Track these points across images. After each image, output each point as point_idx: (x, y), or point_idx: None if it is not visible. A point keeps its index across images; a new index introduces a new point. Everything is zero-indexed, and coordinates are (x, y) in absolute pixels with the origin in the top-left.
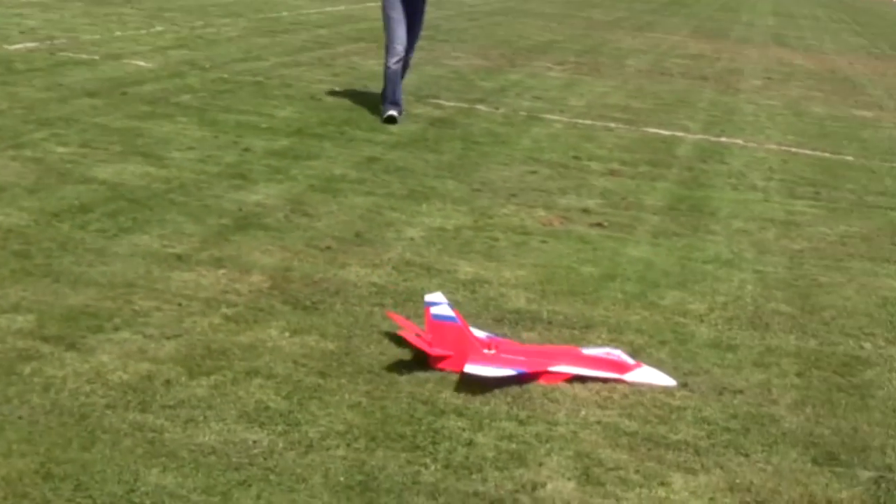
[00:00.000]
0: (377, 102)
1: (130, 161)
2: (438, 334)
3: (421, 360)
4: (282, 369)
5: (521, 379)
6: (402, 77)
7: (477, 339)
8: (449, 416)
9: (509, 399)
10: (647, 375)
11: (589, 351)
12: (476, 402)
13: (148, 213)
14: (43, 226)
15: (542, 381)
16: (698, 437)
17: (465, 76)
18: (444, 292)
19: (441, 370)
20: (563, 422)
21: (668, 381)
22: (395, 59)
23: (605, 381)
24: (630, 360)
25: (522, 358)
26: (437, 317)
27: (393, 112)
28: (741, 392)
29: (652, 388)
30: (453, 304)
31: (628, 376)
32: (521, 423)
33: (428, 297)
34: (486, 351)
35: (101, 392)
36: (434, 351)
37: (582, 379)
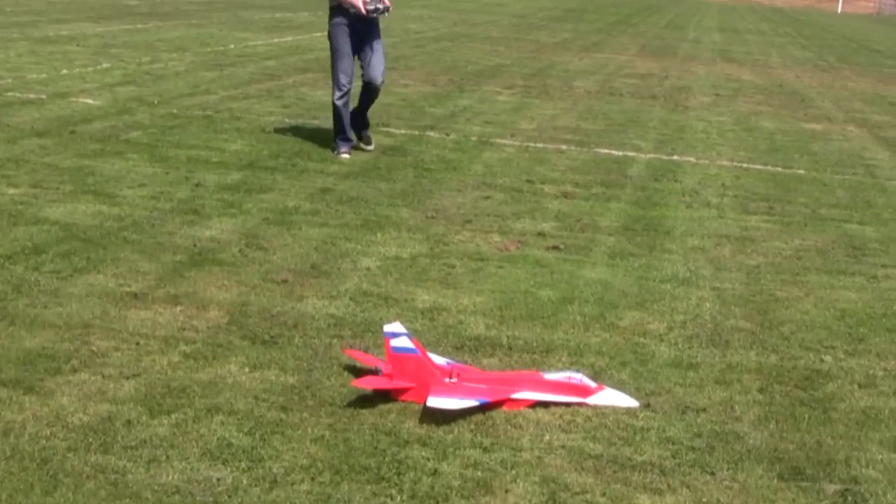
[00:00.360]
0: (328, 133)
1: (82, 200)
2: (399, 366)
3: (382, 392)
4: (243, 405)
5: (483, 408)
6: (367, 107)
7: (438, 367)
8: (413, 445)
9: (473, 426)
10: (610, 398)
11: (550, 376)
12: (440, 431)
13: (102, 252)
14: None
15: (505, 408)
16: (663, 458)
17: (414, 103)
18: (402, 321)
19: (404, 402)
20: (527, 447)
21: (630, 402)
22: (339, 94)
23: (567, 405)
24: (592, 384)
25: (484, 386)
26: (396, 349)
27: (344, 152)
28: (704, 410)
29: (615, 410)
30: (412, 333)
31: (591, 399)
32: (485, 450)
33: (387, 328)
34: (447, 380)
35: (61, 435)
36: (396, 384)
37: (545, 404)
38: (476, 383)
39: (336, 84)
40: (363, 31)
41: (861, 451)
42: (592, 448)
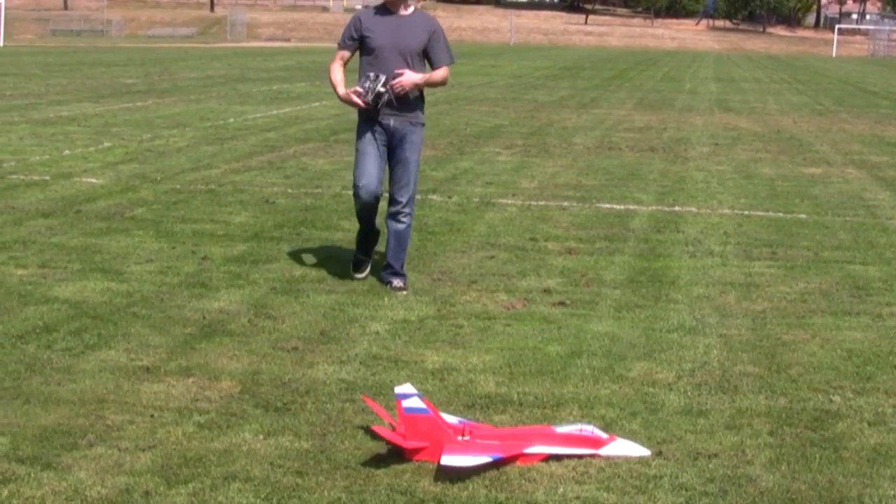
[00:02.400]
0: (331, 201)
1: (90, 278)
2: (412, 427)
3: (397, 452)
4: (259, 472)
5: (497, 464)
6: (392, 241)
7: (450, 426)
8: None
9: (487, 482)
10: (622, 448)
11: (562, 429)
12: (454, 488)
13: (112, 328)
14: (8, 348)
15: (518, 464)
16: None
17: None
18: (413, 382)
19: (418, 461)
20: (542, 500)
21: (642, 451)
22: (358, 204)
23: (580, 457)
24: (603, 435)
25: (497, 442)
26: (409, 409)
27: (355, 273)
28: (716, 455)
29: (627, 460)
30: (423, 393)
31: (603, 451)
32: None
33: (398, 390)
34: (460, 438)
35: None
36: (409, 444)
37: (558, 457)
38: (488, 440)
39: (354, 191)
40: (390, 132)
41: (873, 487)
42: (606, 498)
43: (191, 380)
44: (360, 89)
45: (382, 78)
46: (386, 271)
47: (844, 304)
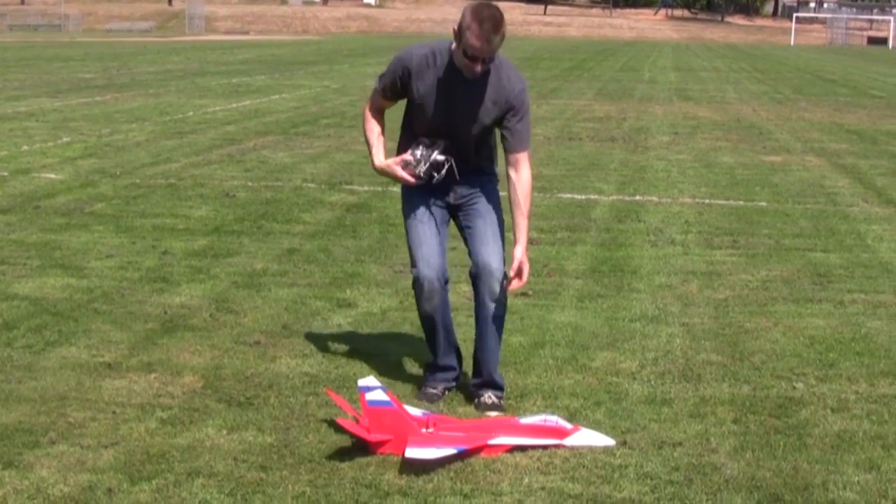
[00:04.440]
0: (292, 194)
1: (50, 274)
2: (376, 419)
3: (361, 445)
4: (223, 467)
5: (462, 456)
6: (485, 327)
7: (414, 418)
8: (394, 497)
9: (452, 475)
10: (586, 438)
11: (526, 420)
12: (419, 481)
13: (73, 324)
14: None
15: (483, 455)
16: (642, 493)
17: None
18: (376, 375)
19: (382, 454)
20: (507, 491)
21: (606, 441)
22: (423, 295)
23: (545, 447)
24: (568, 425)
25: (461, 434)
26: (373, 402)
27: (432, 390)
28: (680, 444)
29: (592, 450)
30: (386, 386)
31: (568, 441)
32: (465, 497)
33: (361, 383)
34: (424, 430)
35: None
36: (373, 437)
37: (522, 448)
38: (453, 432)
39: (415, 280)
40: (456, 202)
41: (837, 474)
42: (572, 488)
43: (153, 375)
44: (408, 158)
45: (442, 144)
46: (475, 379)
47: (806, 291)
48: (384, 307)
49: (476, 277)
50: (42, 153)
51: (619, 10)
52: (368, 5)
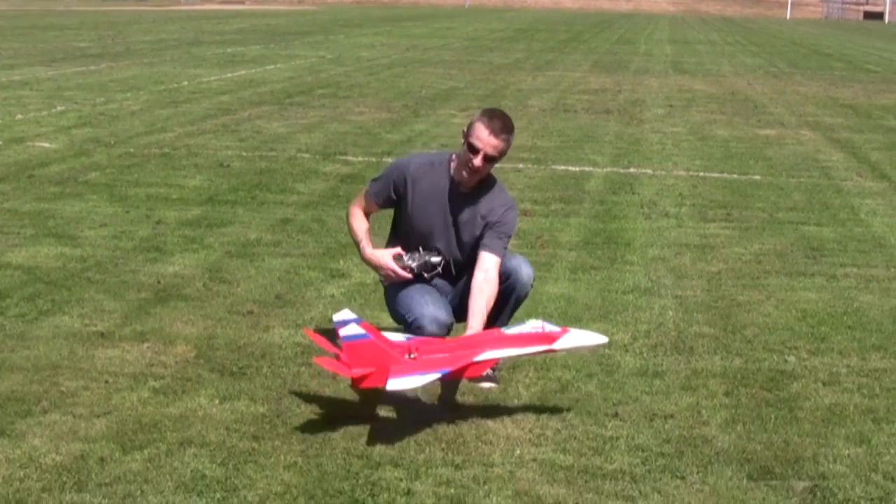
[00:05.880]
0: (286, 164)
1: (44, 243)
2: (354, 354)
3: (353, 415)
4: (215, 437)
5: (447, 378)
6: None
7: (395, 345)
8: (385, 467)
9: (444, 445)
10: (577, 338)
11: (511, 330)
12: (411, 451)
13: (66, 293)
14: None
15: (467, 375)
16: (633, 465)
17: (370, 130)
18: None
19: (366, 389)
20: (498, 462)
21: (599, 338)
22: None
23: (535, 355)
24: (556, 328)
25: (446, 355)
26: (348, 337)
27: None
28: (672, 416)
29: (584, 421)
30: (362, 317)
31: (557, 344)
32: (457, 467)
33: (336, 317)
34: (407, 356)
35: (35, 476)
36: (354, 372)
37: (512, 416)
38: (437, 353)
39: (414, 322)
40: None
41: (828, 447)
42: (563, 459)
43: (146, 345)
44: (401, 252)
45: (437, 251)
46: None
47: (799, 265)
48: (377, 278)
49: (507, 281)
50: (36, 122)
51: None
52: None
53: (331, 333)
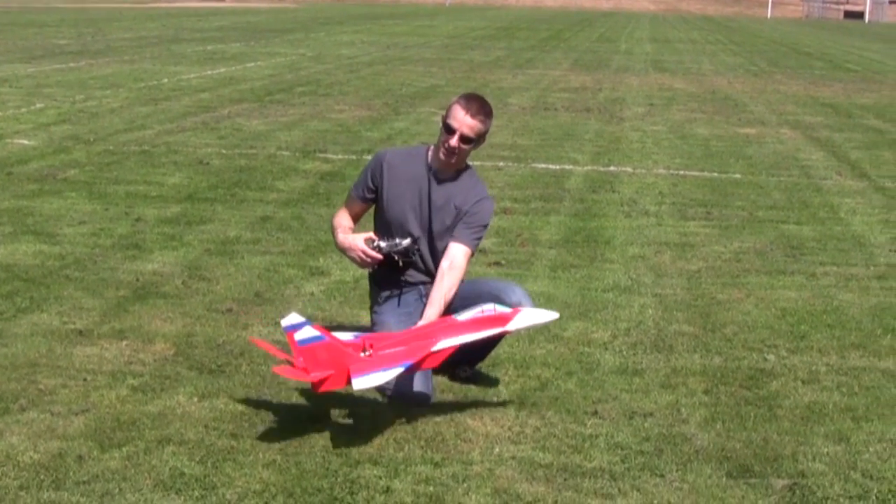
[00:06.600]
0: (266, 162)
1: (22, 241)
2: (311, 357)
3: (332, 413)
4: (193, 434)
5: (409, 371)
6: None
7: (348, 344)
8: (364, 465)
9: (423, 443)
10: (529, 317)
11: (463, 316)
12: (390, 448)
13: (45, 291)
14: None
15: (427, 366)
16: (613, 463)
17: (350, 128)
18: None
19: (326, 392)
20: (477, 460)
21: (550, 315)
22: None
23: (491, 339)
24: (507, 309)
25: (402, 348)
26: (303, 341)
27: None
28: (651, 415)
29: (563, 419)
30: (310, 319)
31: (511, 325)
32: (436, 465)
33: (285, 322)
34: (363, 354)
35: (12, 474)
36: (313, 377)
37: (492, 414)
38: (393, 348)
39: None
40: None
41: (807, 445)
42: (542, 457)
43: (124, 343)
44: (373, 236)
45: (410, 238)
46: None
47: (778, 263)
48: (357, 275)
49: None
50: (15, 119)
51: None
52: None
53: (279, 338)
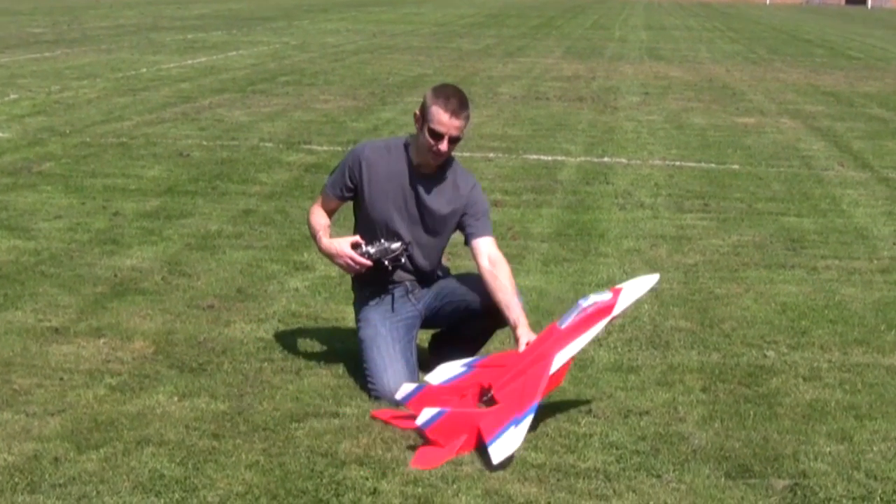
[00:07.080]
0: (248, 154)
1: None
2: (440, 435)
3: (317, 412)
4: (173, 435)
5: (543, 395)
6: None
7: (463, 389)
8: (350, 466)
9: (411, 443)
10: (633, 293)
11: (566, 322)
12: (377, 449)
13: (19, 287)
14: None
15: (550, 390)
16: (607, 463)
17: (335, 119)
18: (335, 341)
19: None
20: (468, 461)
21: (651, 279)
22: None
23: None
24: (605, 295)
25: (521, 379)
26: (425, 423)
27: None
28: (647, 413)
29: (556, 417)
30: (422, 384)
31: (618, 308)
32: None
33: (400, 395)
34: (484, 398)
35: None
36: (450, 449)
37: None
38: (512, 382)
39: (374, 387)
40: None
41: (808, 444)
42: (535, 457)
43: (102, 341)
44: (359, 240)
45: (398, 240)
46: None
47: (778, 256)
48: (342, 271)
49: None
50: None
51: None
52: None
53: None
